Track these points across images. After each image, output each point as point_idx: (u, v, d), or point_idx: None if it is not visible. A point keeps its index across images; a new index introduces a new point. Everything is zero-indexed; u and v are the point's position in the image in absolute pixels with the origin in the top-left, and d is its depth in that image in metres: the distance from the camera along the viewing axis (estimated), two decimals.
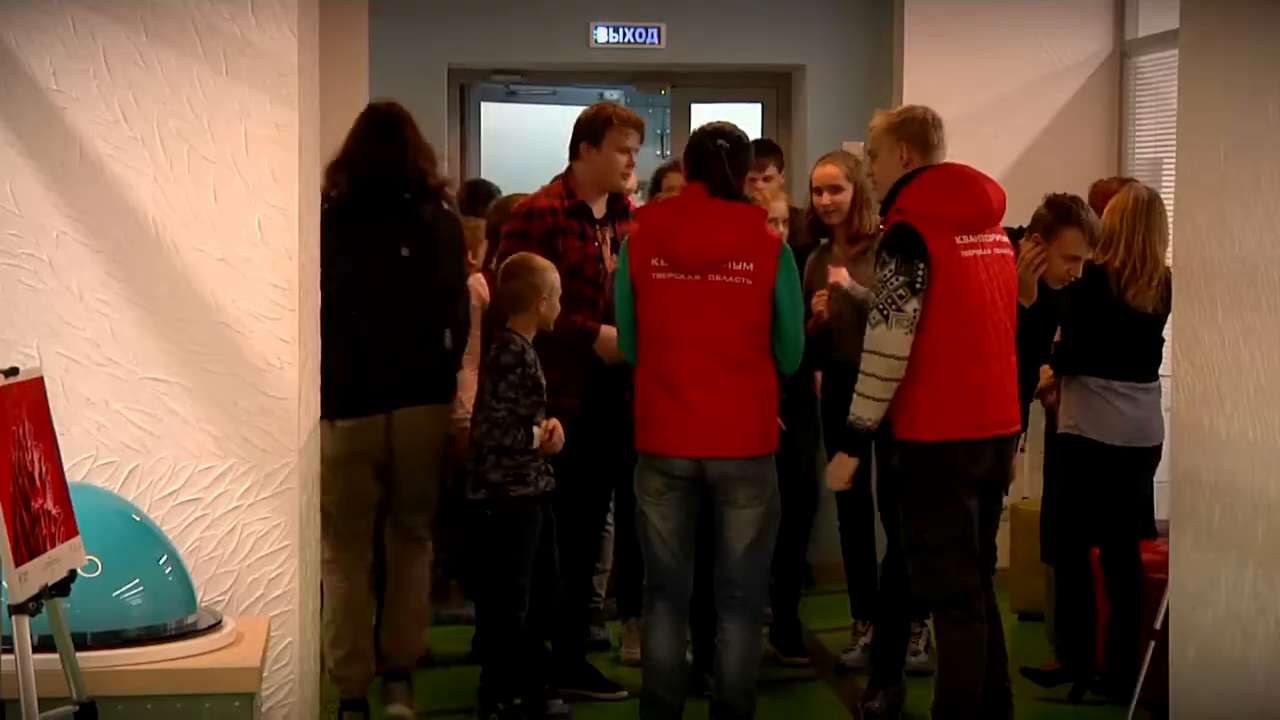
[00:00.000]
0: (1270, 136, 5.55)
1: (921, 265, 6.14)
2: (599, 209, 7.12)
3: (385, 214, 6.75)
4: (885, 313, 6.16)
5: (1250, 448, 5.58)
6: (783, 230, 7.33)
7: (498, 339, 6.76)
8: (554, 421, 6.65)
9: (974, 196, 6.36)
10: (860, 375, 6.22)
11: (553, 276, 6.69)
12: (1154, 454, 6.92)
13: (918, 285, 6.13)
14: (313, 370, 5.68)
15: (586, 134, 7.21)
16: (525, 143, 11.23)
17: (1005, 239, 6.44)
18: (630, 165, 7.31)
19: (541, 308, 6.67)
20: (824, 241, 7.75)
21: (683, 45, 10.43)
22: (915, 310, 6.13)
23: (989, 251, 6.32)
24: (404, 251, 6.71)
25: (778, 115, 11.04)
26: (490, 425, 6.57)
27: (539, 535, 6.72)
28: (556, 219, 7.12)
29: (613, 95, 11.29)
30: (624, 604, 7.77)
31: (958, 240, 6.25)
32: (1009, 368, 6.38)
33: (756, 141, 7.36)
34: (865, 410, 6.23)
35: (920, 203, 6.33)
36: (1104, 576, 7.27)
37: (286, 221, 5.29)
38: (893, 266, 6.19)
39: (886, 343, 6.16)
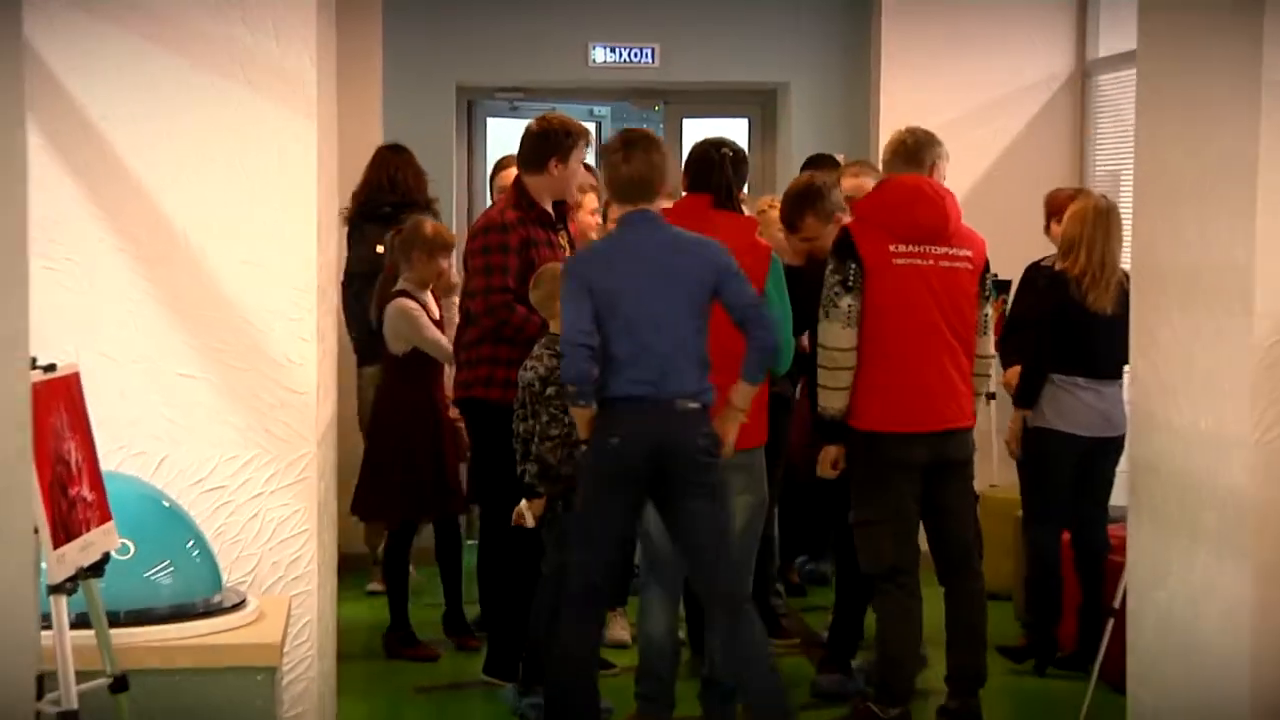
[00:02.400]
0: (1218, 152, 5.56)
1: (853, 265, 6.25)
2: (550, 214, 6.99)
3: (379, 219, 7.95)
4: (825, 309, 6.30)
5: (1201, 438, 5.60)
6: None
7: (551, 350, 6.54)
8: None
9: (915, 211, 6.39)
10: (816, 368, 6.37)
11: None
12: (1119, 442, 6.93)
13: (849, 283, 6.25)
14: (330, 366, 5.70)
15: (556, 151, 6.99)
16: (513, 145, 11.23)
17: (963, 253, 6.44)
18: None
19: None
20: None
21: (675, 64, 10.42)
22: (850, 306, 6.24)
23: (932, 263, 6.34)
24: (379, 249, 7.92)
25: (763, 130, 11.04)
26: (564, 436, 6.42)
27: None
28: (528, 230, 6.98)
29: (602, 111, 11.32)
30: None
31: (892, 248, 6.31)
32: (950, 369, 6.39)
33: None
34: (823, 399, 6.36)
35: (865, 211, 6.53)
36: (1075, 558, 7.31)
37: (306, 229, 5.31)
38: (832, 266, 6.34)
39: (826, 335, 6.30)
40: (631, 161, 5.76)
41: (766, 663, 5.84)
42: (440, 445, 7.42)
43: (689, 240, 5.85)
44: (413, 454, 7.39)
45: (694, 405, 5.65)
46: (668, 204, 6.93)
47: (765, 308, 5.70)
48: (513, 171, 7.43)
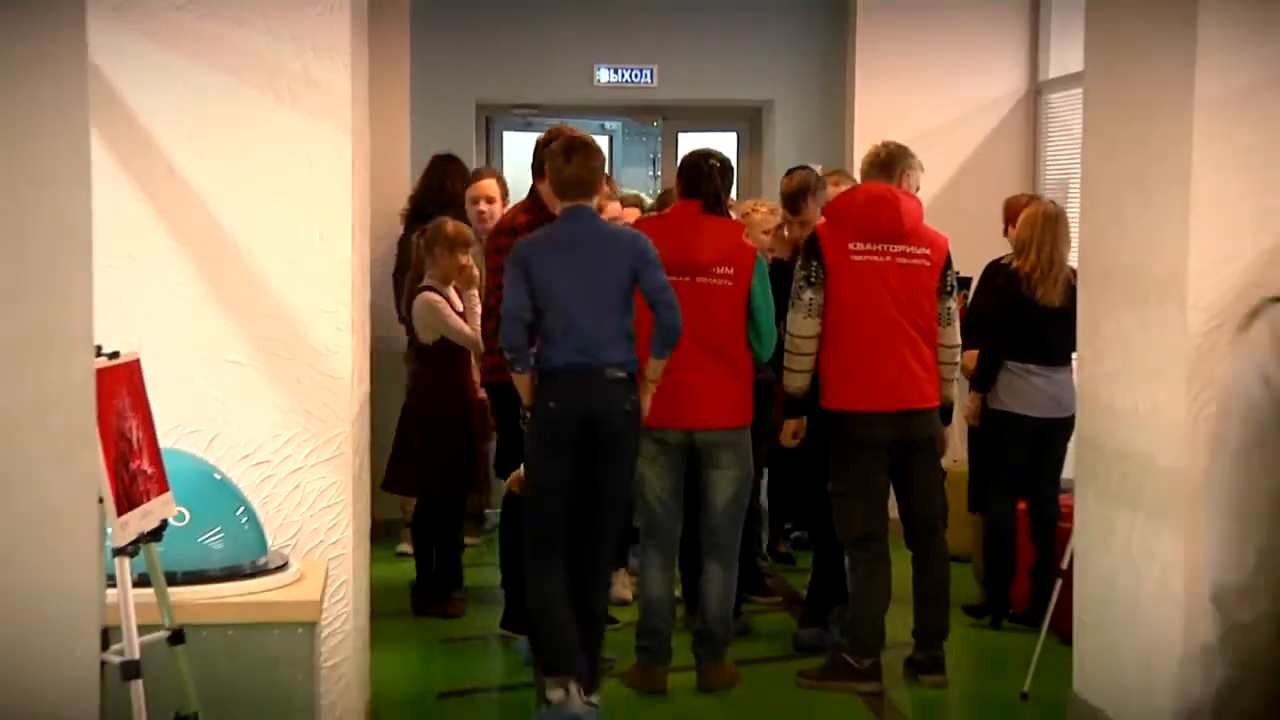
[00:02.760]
0: (1156, 161, 5.57)
1: (815, 263, 6.36)
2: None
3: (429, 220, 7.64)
4: (792, 301, 6.39)
5: (1141, 418, 5.61)
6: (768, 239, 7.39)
7: None
8: None
9: (874, 214, 6.43)
10: (784, 352, 6.46)
11: None
12: (1069, 422, 6.93)
13: (811, 279, 6.34)
14: (363, 354, 5.71)
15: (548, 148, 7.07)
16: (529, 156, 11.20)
17: (921, 251, 6.46)
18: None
19: None
20: None
21: (671, 83, 10.42)
22: (811, 299, 6.33)
23: (889, 260, 6.38)
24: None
25: (750, 142, 11.04)
26: None
27: None
28: None
29: (614, 125, 11.31)
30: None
31: (851, 246, 6.36)
32: (909, 356, 6.40)
33: None
34: (787, 379, 6.49)
35: (832, 212, 6.59)
36: (1029, 525, 7.32)
37: (342, 230, 5.31)
38: (799, 264, 6.45)
39: (792, 324, 6.41)
40: (571, 164, 5.91)
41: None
42: (470, 427, 7.41)
43: (615, 232, 6.16)
44: (441, 437, 7.37)
45: (620, 374, 5.82)
46: (631, 207, 6.97)
47: (670, 293, 5.80)
48: (486, 183, 7.74)
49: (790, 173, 7.64)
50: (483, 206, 7.84)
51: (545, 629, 5.94)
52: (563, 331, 5.78)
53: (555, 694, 5.77)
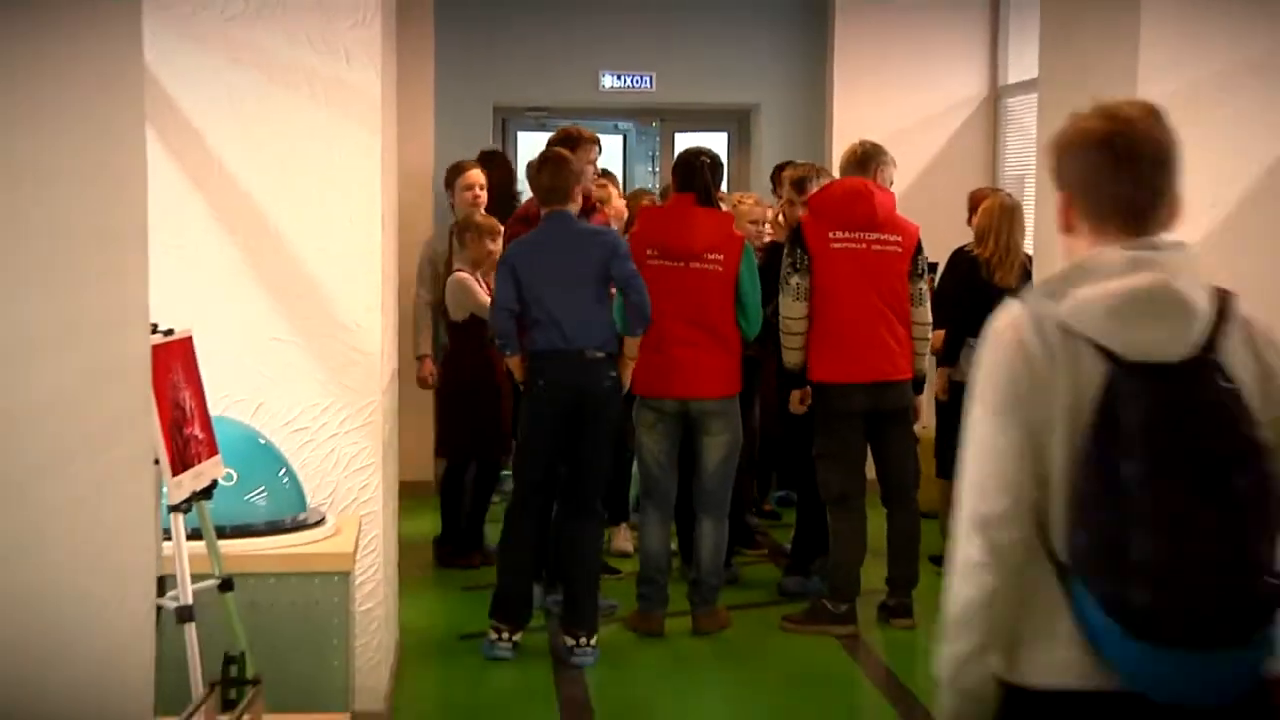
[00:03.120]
0: None
1: (800, 251, 6.41)
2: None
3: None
4: (781, 286, 6.47)
5: None
6: (760, 229, 7.41)
7: None
8: None
9: (849, 207, 6.45)
10: (780, 334, 6.53)
11: None
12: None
13: (797, 266, 6.39)
14: (392, 333, 5.72)
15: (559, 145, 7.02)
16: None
17: (894, 239, 6.47)
18: (595, 172, 7.29)
19: None
20: None
21: (669, 88, 10.40)
22: (798, 284, 6.37)
23: (865, 246, 6.40)
24: None
25: (739, 141, 10.98)
26: None
27: None
28: None
29: (626, 125, 11.28)
30: (611, 515, 7.74)
31: (831, 235, 6.38)
32: (884, 333, 6.42)
33: None
34: (785, 357, 6.54)
35: (815, 204, 6.59)
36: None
37: (372, 220, 5.30)
38: (786, 251, 6.51)
39: (783, 307, 6.47)
40: (543, 175, 6.13)
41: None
42: (496, 397, 7.38)
43: (590, 231, 6.26)
44: (477, 406, 7.37)
45: (600, 354, 5.99)
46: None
47: (638, 279, 5.95)
48: (473, 173, 7.72)
49: (787, 164, 7.69)
50: (477, 192, 7.76)
51: (504, 571, 6.17)
52: (546, 321, 5.94)
53: (492, 634, 6.10)
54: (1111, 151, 2.73)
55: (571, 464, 6.13)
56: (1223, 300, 2.65)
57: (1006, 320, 2.66)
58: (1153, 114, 2.85)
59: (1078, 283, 2.60)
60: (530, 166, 6.31)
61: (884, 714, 5.70)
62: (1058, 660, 2.56)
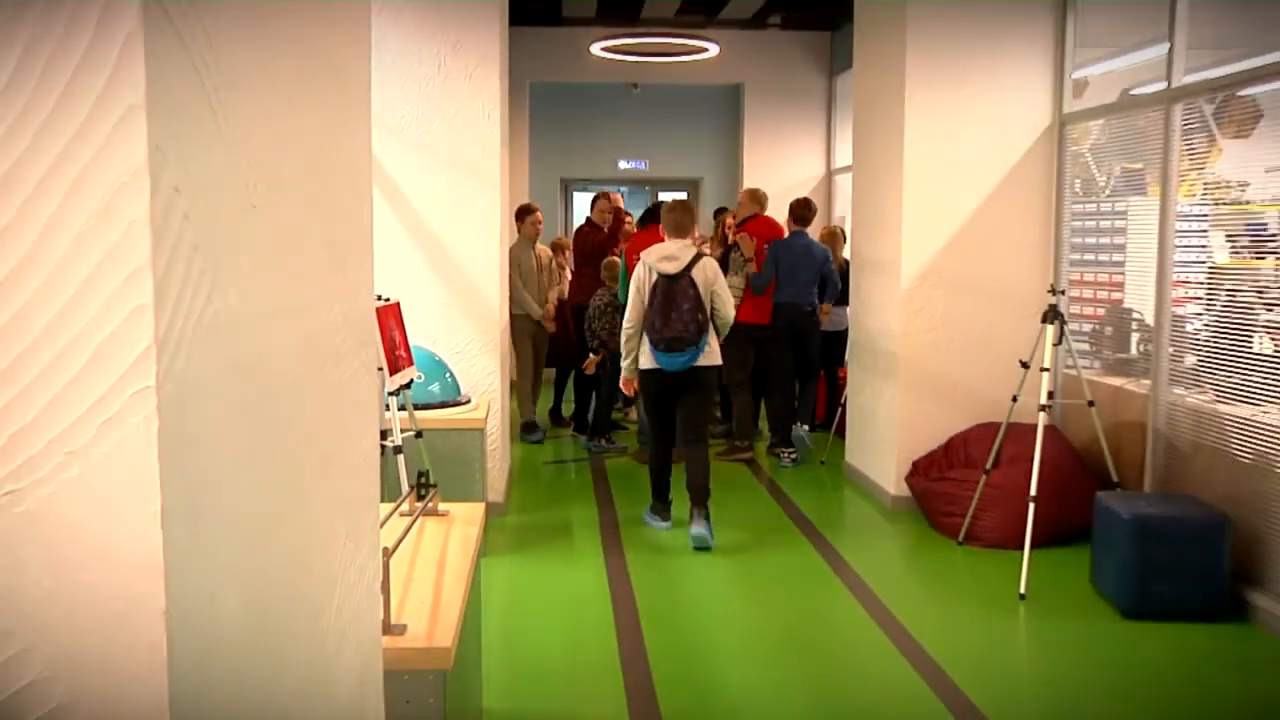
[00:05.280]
0: (886, 206, 5.49)
1: (741, 252, 6.29)
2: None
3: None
4: (731, 273, 6.28)
5: (879, 331, 5.61)
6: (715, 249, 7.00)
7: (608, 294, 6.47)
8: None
9: (768, 231, 6.35)
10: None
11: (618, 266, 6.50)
12: (846, 333, 6.94)
13: (745, 261, 6.29)
14: (504, 296, 5.66)
15: (596, 202, 7.06)
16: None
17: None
18: (613, 212, 7.00)
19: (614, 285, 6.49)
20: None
21: (655, 167, 10.28)
22: (745, 273, 6.27)
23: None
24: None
25: (693, 196, 10.77)
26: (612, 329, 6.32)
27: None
28: (595, 234, 6.95)
29: (634, 188, 11.18)
30: (625, 402, 7.44)
31: (763, 246, 6.30)
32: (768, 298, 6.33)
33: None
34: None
35: (751, 227, 6.44)
36: (826, 379, 7.20)
37: (494, 239, 5.26)
38: (735, 254, 6.36)
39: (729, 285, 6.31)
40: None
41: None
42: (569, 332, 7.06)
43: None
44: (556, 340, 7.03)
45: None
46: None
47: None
48: (539, 212, 6.90)
49: (721, 210, 7.63)
50: (539, 219, 6.94)
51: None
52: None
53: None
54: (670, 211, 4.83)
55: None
56: (696, 256, 4.54)
57: (640, 262, 4.61)
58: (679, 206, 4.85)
59: (651, 252, 4.40)
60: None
61: (767, 501, 5.67)
62: (646, 358, 4.22)
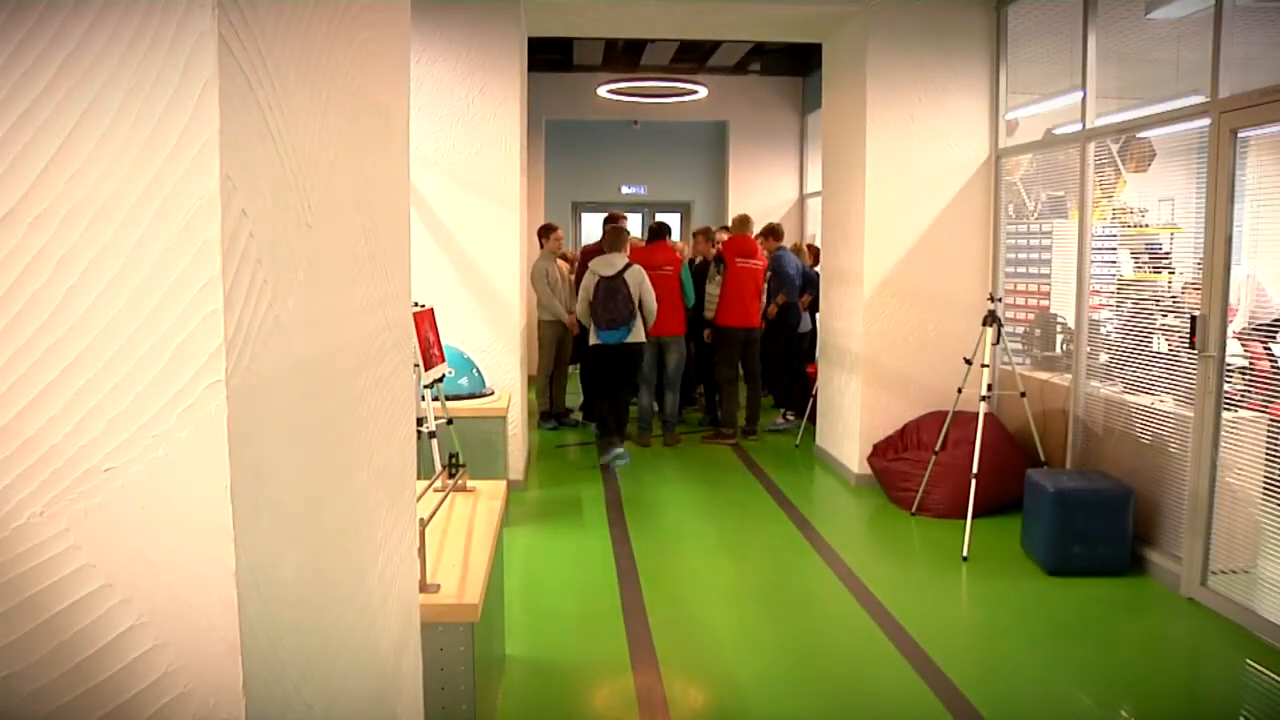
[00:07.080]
0: (850, 225, 5.43)
1: (723, 265, 6.28)
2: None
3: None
4: (708, 283, 6.36)
5: (845, 333, 5.55)
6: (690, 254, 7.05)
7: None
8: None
9: (742, 246, 6.31)
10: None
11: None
12: (814, 333, 6.92)
13: (715, 274, 6.33)
14: (525, 302, 5.62)
15: (607, 225, 6.88)
16: (597, 228, 11.01)
17: (758, 264, 6.32)
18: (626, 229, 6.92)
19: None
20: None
21: (654, 192, 10.21)
22: (719, 281, 6.29)
23: (750, 265, 6.29)
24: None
25: (686, 217, 10.72)
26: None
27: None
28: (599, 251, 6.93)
29: (634, 210, 11.12)
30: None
31: (737, 259, 6.27)
32: (752, 303, 6.31)
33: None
34: (706, 313, 6.40)
35: (728, 245, 6.39)
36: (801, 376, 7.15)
37: (514, 254, 5.21)
38: (713, 266, 6.36)
39: (709, 292, 6.37)
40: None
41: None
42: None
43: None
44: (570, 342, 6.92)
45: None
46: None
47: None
48: (560, 230, 6.70)
49: (707, 230, 7.55)
50: (560, 237, 6.73)
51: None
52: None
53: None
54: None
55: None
56: (627, 265, 5.11)
57: (589, 270, 5.08)
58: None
59: (597, 261, 4.75)
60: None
61: (748, 478, 5.66)
62: (593, 336, 4.47)
